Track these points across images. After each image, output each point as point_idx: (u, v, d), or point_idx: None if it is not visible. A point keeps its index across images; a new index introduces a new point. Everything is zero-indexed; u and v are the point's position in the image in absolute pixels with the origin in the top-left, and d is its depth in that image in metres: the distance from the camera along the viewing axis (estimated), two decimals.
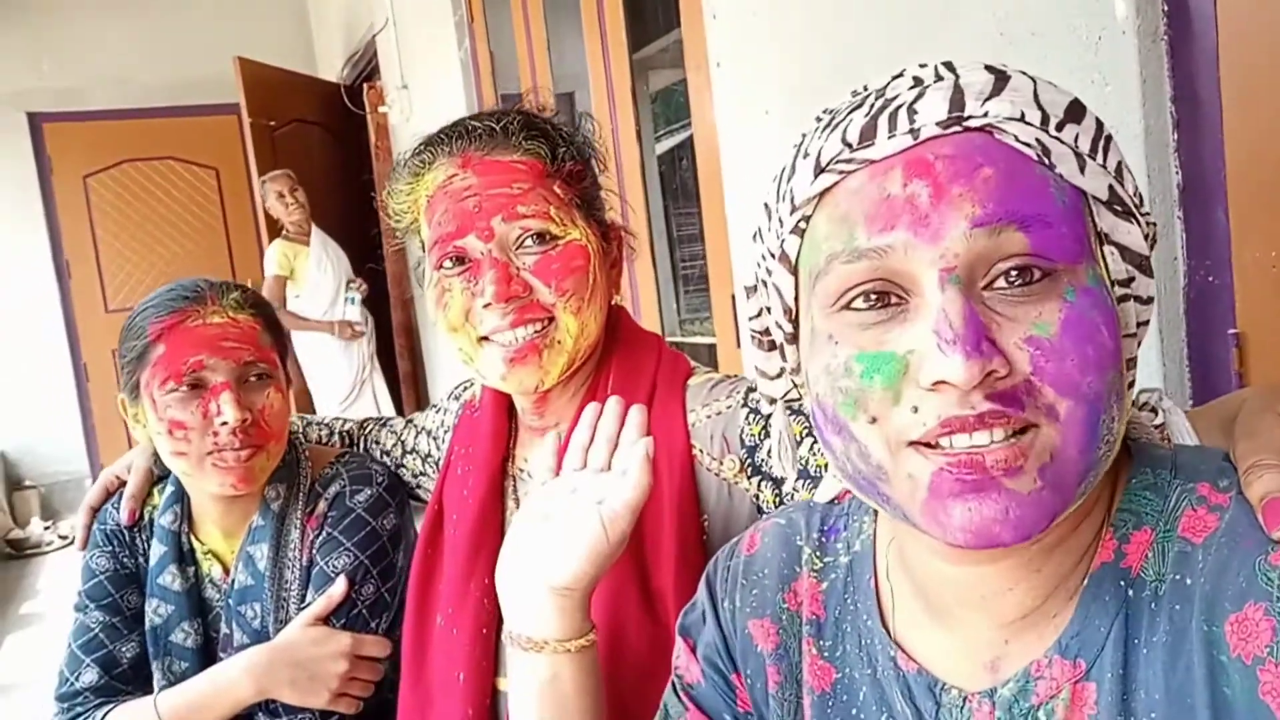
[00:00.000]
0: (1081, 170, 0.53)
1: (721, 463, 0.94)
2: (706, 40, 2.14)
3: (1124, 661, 0.54)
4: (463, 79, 3.87)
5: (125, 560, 1.26)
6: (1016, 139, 0.52)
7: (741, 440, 0.93)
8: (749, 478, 0.93)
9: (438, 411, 1.25)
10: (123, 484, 1.30)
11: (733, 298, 2.32)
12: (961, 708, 0.58)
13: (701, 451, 0.95)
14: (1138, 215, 0.56)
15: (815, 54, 1.76)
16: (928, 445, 0.51)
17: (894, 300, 0.52)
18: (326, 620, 1.16)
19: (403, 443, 1.30)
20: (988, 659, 0.58)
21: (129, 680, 1.22)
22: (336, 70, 5.94)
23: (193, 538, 1.25)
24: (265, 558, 1.20)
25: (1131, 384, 0.58)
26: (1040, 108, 0.53)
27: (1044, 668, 0.56)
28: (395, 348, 5.35)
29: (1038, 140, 0.52)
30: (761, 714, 0.71)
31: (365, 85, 5.30)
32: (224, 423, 1.12)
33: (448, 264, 0.95)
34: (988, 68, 0.55)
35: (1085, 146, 0.53)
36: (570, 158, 0.98)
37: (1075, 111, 0.54)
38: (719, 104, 2.15)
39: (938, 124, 0.52)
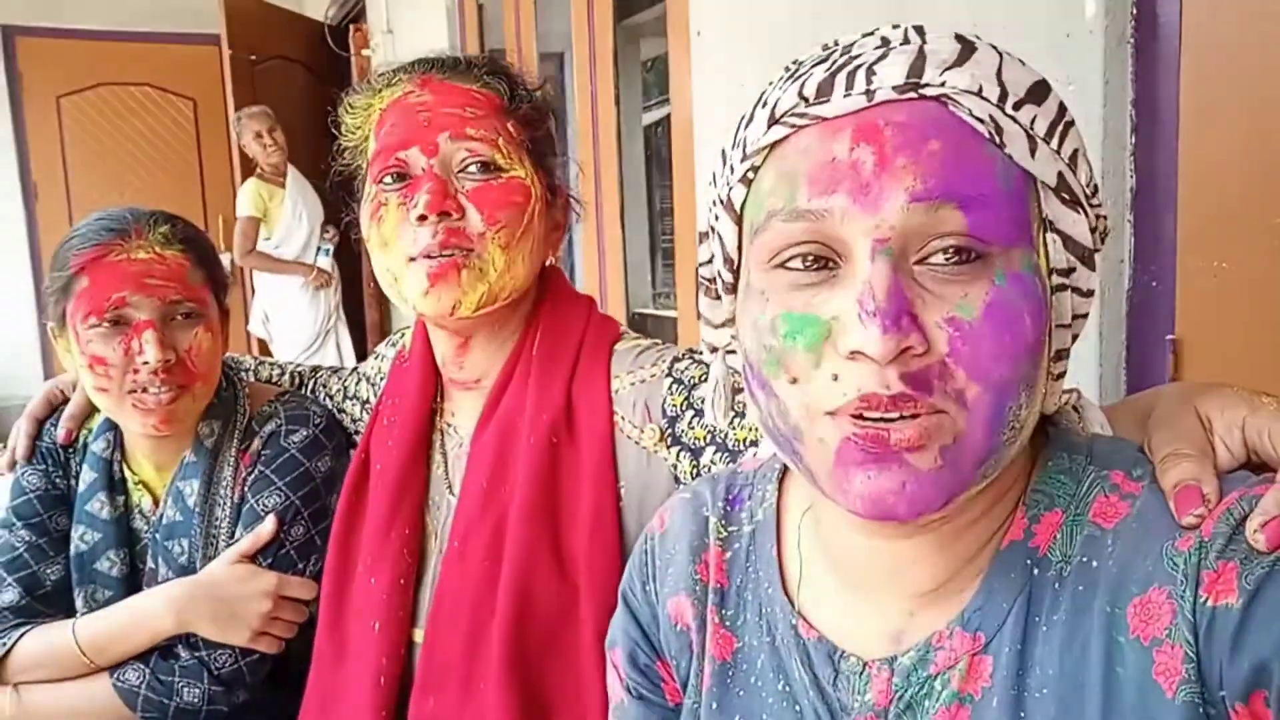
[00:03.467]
0: (1032, 153, 0.53)
1: (642, 431, 0.94)
2: (689, 7, 2.12)
3: (1023, 637, 0.55)
4: (448, 28, 3.82)
5: (57, 480, 1.25)
6: (970, 113, 0.52)
7: (663, 410, 0.94)
8: (668, 448, 0.93)
9: (376, 358, 1.25)
10: (66, 400, 1.28)
11: (697, 270, 2.31)
12: (860, 674, 0.60)
13: (623, 419, 0.95)
14: (1086, 206, 0.56)
15: (795, 31, 1.75)
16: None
17: (828, 264, 0.53)
18: (254, 559, 1.15)
19: (345, 388, 1.30)
20: (892, 630, 0.60)
21: (51, 603, 1.21)
22: (322, 9, 5.83)
23: (125, 466, 1.24)
24: (196, 494, 1.19)
25: (1062, 375, 0.59)
26: (1001, 84, 0.52)
27: (945, 639, 0.57)
28: (364, 295, 5.30)
29: (991, 117, 0.52)
30: None
31: (351, 27, 5.20)
32: (145, 362, 1.10)
33: (387, 179, 0.95)
34: (958, 37, 0.54)
35: (1041, 129, 0.53)
36: (528, 102, 0.98)
37: (1037, 92, 0.54)
38: (697, 74, 2.14)
39: (893, 88, 0.52)
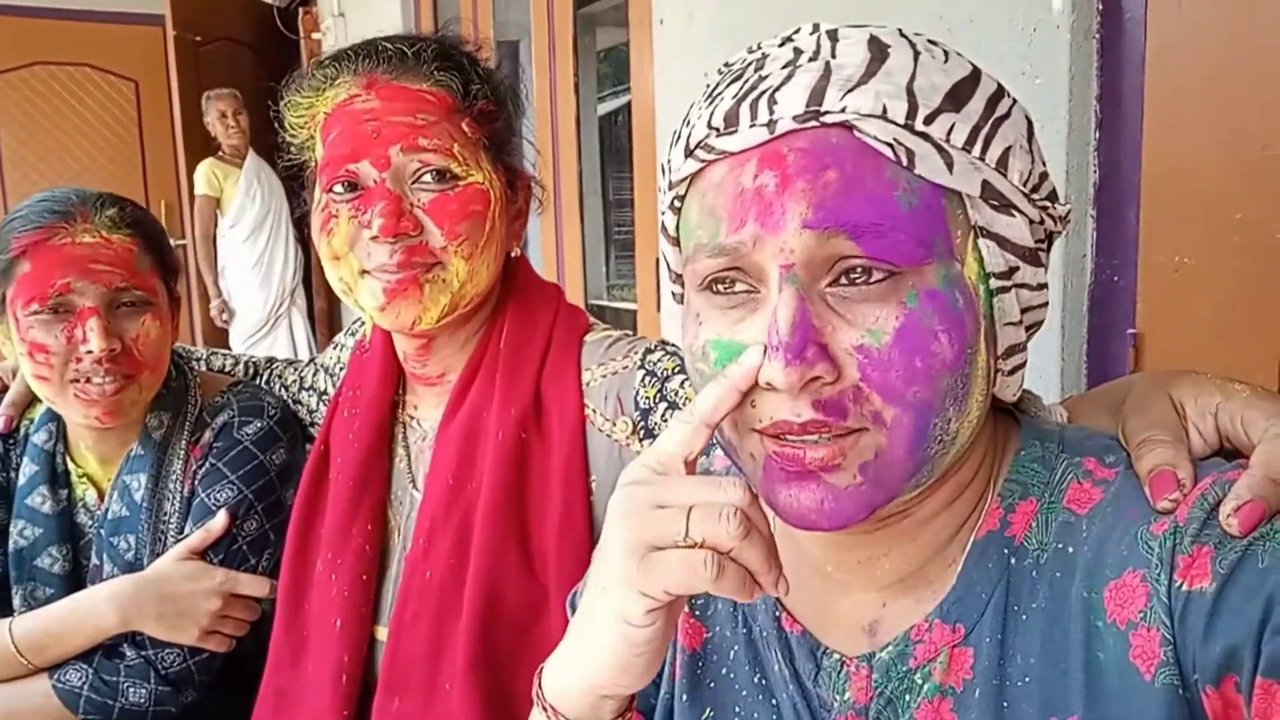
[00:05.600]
0: (950, 168, 0.52)
1: (614, 424, 0.92)
2: None
3: (1003, 627, 0.55)
4: (401, 12, 3.76)
5: None
6: (876, 138, 0.51)
7: (636, 402, 0.92)
8: (640, 441, 0.91)
9: (335, 348, 1.21)
10: (5, 388, 1.23)
11: (656, 263, 2.30)
12: (839, 672, 0.60)
13: (594, 411, 0.93)
14: (1023, 205, 0.54)
15: (757, 20, 1.74)
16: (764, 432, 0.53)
17: (751, 289, 0.53)
18: (204, 555, 1.11)
19: (301, 378, 1.26)
20: (866, 622, 0.60)
21: None
22: None
23: (68, 459, 1.19)
24: (143, 488, 1.15)
25: (1016, 368, 0.58)
26: (910, 97, 0.51)
27: (924, 632, 0.57)
28: (313, 284, 5.20)
29: (896, 140, 0.51)
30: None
31: (300, 9, 5.10)
32: (89, 351, 1.06)
33: (338, 188, 0.91)
34: (871, 42, 0.53)
35: (960, 138, 0.51)
36: (484, 96, 0.93)
37: (957, 97, 0.52)
38: (659, 63, 2.12)
39: (794, 118, 0.51)
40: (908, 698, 0.57)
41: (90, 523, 1.18)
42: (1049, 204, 0.56)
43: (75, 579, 1.17)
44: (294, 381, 1.26)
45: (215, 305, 4.77)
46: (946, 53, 0.54)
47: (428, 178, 0.89)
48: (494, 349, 0.97)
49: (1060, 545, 0.55)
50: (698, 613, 0.68)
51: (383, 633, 0.97)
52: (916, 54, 0.53)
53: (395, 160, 0.88)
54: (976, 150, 0.52)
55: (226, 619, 1.10)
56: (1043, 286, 0.57)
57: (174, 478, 1.16)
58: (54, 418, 1.18)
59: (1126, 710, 0.51)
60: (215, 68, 4.99)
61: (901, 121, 0.50)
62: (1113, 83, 1.15)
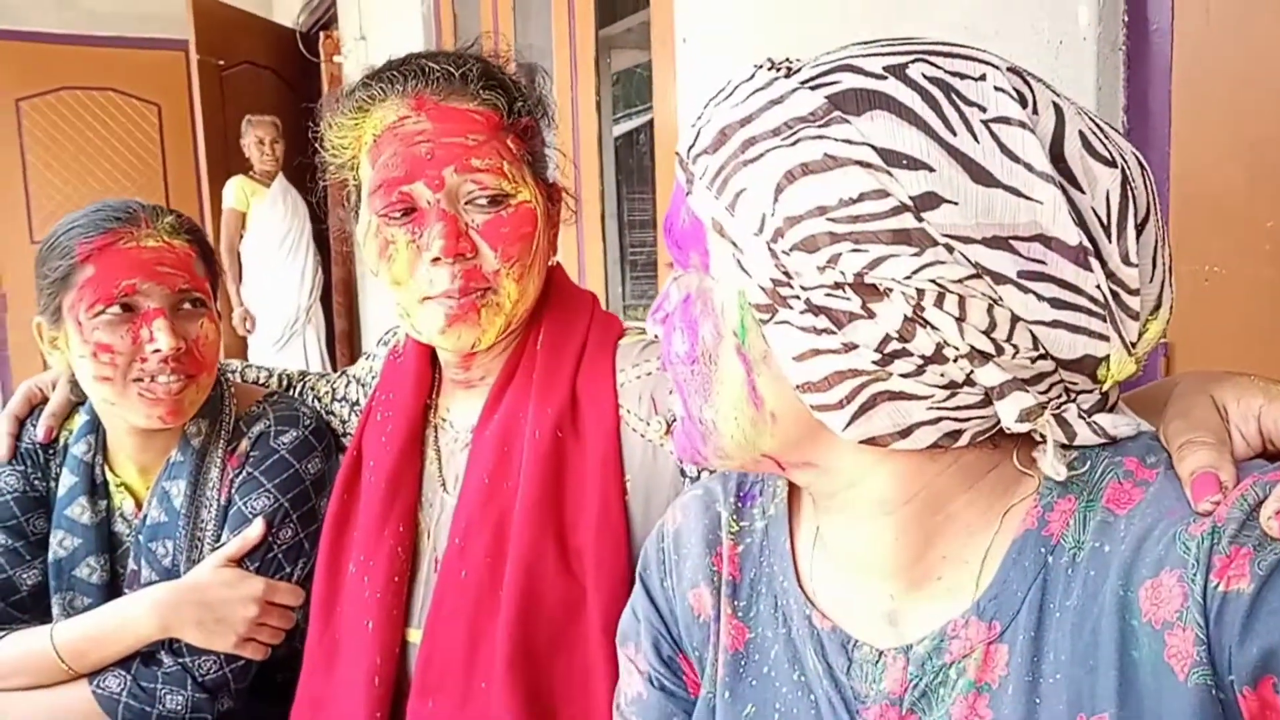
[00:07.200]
0: (697, 200, 0.58)
1: (649, 424, 0.94)
2: (674, 15, 2.13)
3: (1038, 624, 0.56)
4: (423, 35, 3.80)
5: (36, 482, 1.21)
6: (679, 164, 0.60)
7: (669, 403, 0.93)
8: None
9: (366, 358, 1.23)
10: (45, 399, 1.24)
11: None
12: (876, 663, 0.61)
13: (629, 412, 0.95)
14: (744, 246, 0.55)
15: (782, 36, 1.76)
16: None
17: None
18: (240, 562, 1.12)
19: (333, 389, 1.28)
20: (886, 610, 0.61)
21: (26, 609, 1.17)
22: (293, 15, 5.78)
23: (107, 469, 1.21)
24: (182, 494, 1.16)
25: (827, 410, 0.55)
26: (696, 135, 0.58)
27: (960, 628, 0.58)
28: (333, 305, 5.24)
29: (680, 171, 0.60)
30: None
31: (322, 33, 5.17)
32: (156, 350, 1.08)
33: (395, 215, 0.92)
34: (771, 80, 0.56)
35: (707, 177, 0.56)
36: (525, 112, 0.96)
37: (721, 137, 0.56)
38: (683, 82, 2.14)
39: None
40: (942, 691, 0.58)
41: (128, 531, 1.20)
42: (788, 262, 0.53)
43: (113, 589, 1.18)
44: (326, 393, 1.28)
45: (238, 313, 4.87)
46: (787, 92, 0.54)
47: (482, 201, 0.92)
48: (530, 352, 0.99)
49: (1097, 544, 0.55)
50: (740, 615, 0.69)
51: (415, 635, 0.98)
52: (746, 101, 0.55)
53: (449, 181, 0.91)
54: (714, 189, 0.56)
55: (263, 626, 1.11)
56: (851, 347, 0.53)
57: (211, 485, 1.17)
58: (93, 429, 1.20)
59: (1159, 709, 0.51)
60: (238, 91, 5.07)
61: (685, 155, 0.58)
62: (1139, 94, 1.16)
